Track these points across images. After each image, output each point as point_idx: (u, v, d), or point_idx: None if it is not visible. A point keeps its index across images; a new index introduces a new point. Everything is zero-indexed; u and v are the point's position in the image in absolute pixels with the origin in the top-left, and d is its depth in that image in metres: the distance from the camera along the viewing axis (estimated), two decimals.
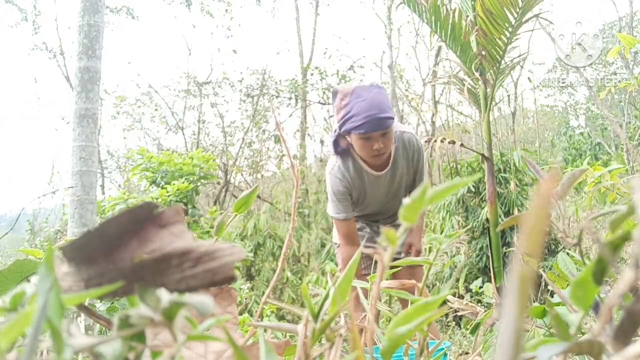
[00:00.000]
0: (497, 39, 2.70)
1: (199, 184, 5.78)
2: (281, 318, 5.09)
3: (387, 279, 0.65)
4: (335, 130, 1.90)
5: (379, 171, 1.93)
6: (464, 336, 3.38)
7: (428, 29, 2.95)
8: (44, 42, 10.75)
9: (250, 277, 6.66)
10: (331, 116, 10.62)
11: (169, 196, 5.26)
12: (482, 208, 4.90)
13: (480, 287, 4.25)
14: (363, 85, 1.82)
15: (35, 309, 0.22)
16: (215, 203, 8.01)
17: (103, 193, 10.51)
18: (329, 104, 10.35)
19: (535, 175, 0.55)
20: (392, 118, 1.78)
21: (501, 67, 2.84)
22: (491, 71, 2.84)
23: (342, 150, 1.91)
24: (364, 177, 1.94)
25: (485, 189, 3.58)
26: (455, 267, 4.87)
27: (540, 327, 0.59)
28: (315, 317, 0.36)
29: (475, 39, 2.70)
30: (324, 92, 10.14)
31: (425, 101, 9.95)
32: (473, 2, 2.70)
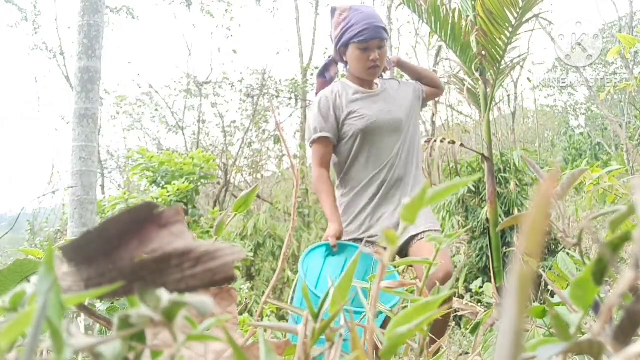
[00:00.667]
0: (497, 39, 2.70)
1: (199, 184, 5.79)
2: (281, 318, 5.09)
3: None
4: (330, 57, 1.99)
5: (370, 89, 1.95)
6: (464, 336, 3.38)
7: (428, 29, 2.95)
8: (44, 42, 10.76)
9: (250, 277, 6.66)
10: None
11: (169, 196, 5.26)
12: (482, 208, 4.90)
13: (480, 287, 4.25)
14: (356, 4, 1.94)
15: (35, 309, 0.22)
16: (215, 203, 8.01)
17: (103, 193, 10.52)
18: None
19: (535, 175, 0.55)
20: (386, 32, 1.88)
21: (501, 67, 2.84)
22: (491, 71, 2.84)
23: (330, 78, 1.98)
24: (357, 97, 1.92)
25: (485, 189, 3.58)
26: (456, 267, 4.87)
27: (541, 327, 0.59)
28: (315, 317, 0.36)
29: (475, 39, 2.70)
30: None
31: None
32: (473, 2, 2.70)
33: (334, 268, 1.61)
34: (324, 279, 1.53)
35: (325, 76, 1.99)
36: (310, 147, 1.93)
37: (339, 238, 1.76)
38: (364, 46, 1.83)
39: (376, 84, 1.99)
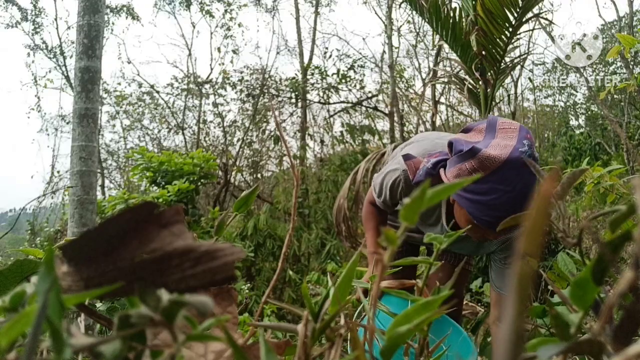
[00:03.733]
0: (498, 39, 2.71)
1: (199, 184, 5.79)
2: (281, 318, 5.09)
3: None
4: (431, 167, 1.32)
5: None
6: None
7: (429, 29, 2.95)
8: (44, 41, 10.76)
9: (250, 277, 6.66)
10: (332, 116, 10.61)
11: (170, 196, 5.26)
12: None
13: (480, 287, 4.25)
14: (517, 156, 1.14)
15: (35, 308, 0.22)
16: (215, 203, 8.01)
17: (103, 193, 10.52)
18: (329, 103, 10.35)
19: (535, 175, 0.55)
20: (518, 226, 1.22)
21: (501, 67, 2.84)
22: (491, 71, 2.84)
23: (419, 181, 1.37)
24: (430, 213, 1.52)
25: None
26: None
27: (542, 327, 0.59)
28: (315, 317, 0.36)
29: (475, 38, 2.70)
30: (324, 92, 10.15)
31: (426, 101, 9.95)
32: (474, 2, 2.70)
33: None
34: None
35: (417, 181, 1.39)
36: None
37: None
38: (489, 228, 1.24)
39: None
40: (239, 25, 10.95)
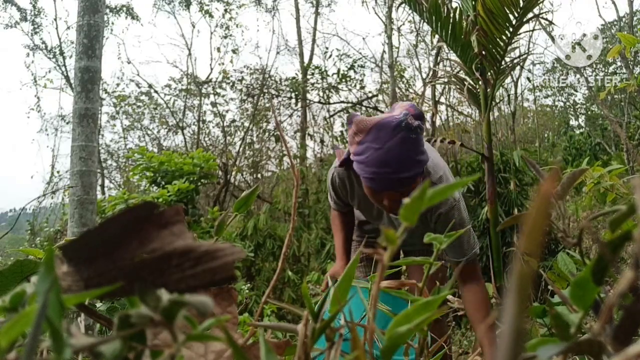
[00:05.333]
0: (498, 39, 2.71)
1: (199, 183, 5.79)
2: (281, 318, 5.09)
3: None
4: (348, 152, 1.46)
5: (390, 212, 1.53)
6: (464, 336, 3.38)
7: (428, 29, 2.95)
8: (44, 41, 10.76)
9: (250, 277, 6.66)
10: (332, 116, 10.62)
11: (170, 196, 5.27)
12: (482, 208, 4.90)
13: None
14: (386, 123, 1.30)
15: (35, 308, 0.22)
16: (215, 203, 8.01)
17: (103, 193, 10.52)
18: (329, 103, 10.36)
19: (535, 175, 0.55)
20: (415, 175, 1.32)
21: (501, 67, 2.84)
22: (491, 71, 2.84)
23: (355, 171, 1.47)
24: (373, 205, 1.59)
25: (485, 189, 3.58)
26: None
27: (542, 327, 0.59)
28: (315, 317, 0.36)
29: (475, 38, 2.70)
30: (324, 92, 10.15)
31: (426, 101, 9.95)
32: (474, 2, 2.70)
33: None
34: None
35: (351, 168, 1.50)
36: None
37: None
38: (375, 191, 1.37)
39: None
40: (238, 25, 10.95)
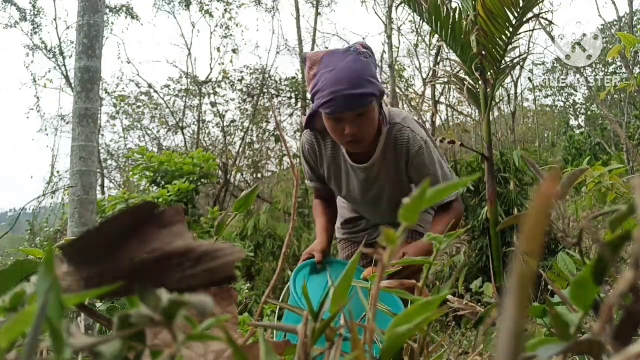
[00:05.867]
0: (498, 39, 2.70)
1: (199, 183, 5.79)
2: (281, 318, 5.08)
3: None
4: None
5: (358, 163, 1.56)
6: (464, 336, 3.38)
7: (429, 29, 2.95)
8: (44, 41, 10.76)
9: (250, 277, 6.66)
10: None
11: (170, 196, 5.27)
12: (482, 208, 4.90)
13: (480, 287, 4.25)
14: (336, 50, 1.40)
15: (35, 308, 0.22)
16: (215, 203, 8.01)
17: (103, 193, 10.52)
18: None
19: (535, 175, 0.55)
20: (371, 95, 1.34)
21: (501, 67, 2.84)
22: (491, 71, 2.84)
23: (321, 128, 1.52)
24: (340, 162, 1.59)
25: (485, 189, 3.58)
26: (455, 267, 4.88)
27: (542, 327, 0.59)
28: (315, 317, 0.36)
29: (475, 38, 2.70)
30: None
31: (426, 101, 9.95)
32: (474, 2, 2.70)
33: (317, 287, 1.44)
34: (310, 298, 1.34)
35: (315, 128, 1.56)
36: None
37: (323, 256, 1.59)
38: (335, 117, 1.38)
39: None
40: (238, 25, 10.95)
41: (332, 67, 1.35)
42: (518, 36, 2.75)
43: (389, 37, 8.98)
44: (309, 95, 1.47)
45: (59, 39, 10.66)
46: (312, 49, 10.78)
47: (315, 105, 1.39)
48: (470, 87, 3.00)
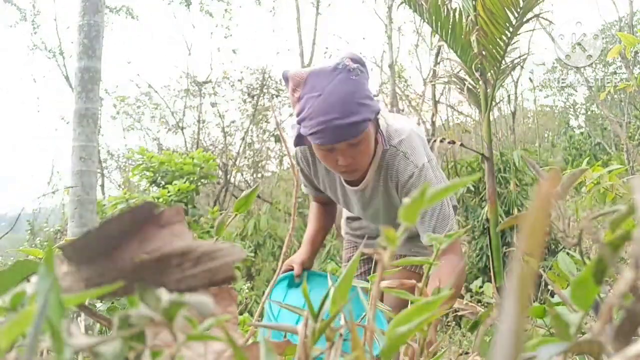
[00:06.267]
0: (498, 39, 2.71)
1: (199, 184, 5.79)
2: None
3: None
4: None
5: (350, 184, 1.45)
6: (464, 336, 3.38)
7: (429, 29, 2.95)
8: (43, 41, 10.77)
9: (250, 277, 6.66)
10: None
11: (170, 196, 5.27)
12: (482, 208, 4.90)
13: (480, 287, 4.25)
14: (322, 69, 1.22)
15: (35, 308, 0.22)
16: (215, 203, 8.01)
17: (103, 193, 10.52)
18: None
19: (535, 175, 0.55)
20: (365, 121, 1.21)
21: (502, 67, 2.85)
22: (492, 71, 2.84)
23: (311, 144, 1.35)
24: (334, 178, 1.49)
25: (485, 189, 3.58)
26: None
27: (541, 327, 0.59)
28: (315, 317, 0.36)
29: (475, 38, 2.70)
30: None
31: (426, 101, 9.95)
32: (474, 2, 2.70)
33: (296, 300, 1.37)
34: (285, 313, 1.27)
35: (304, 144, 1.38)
36: None
37: (304, 268, 1.55)
38: (327, 147, 1.26)
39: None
40: (238, 25, 10.95)
41: (318, 90, 1.19)
42: (518, 36, 2.75)
43: (389, 37, 8.98)
44: (293, 120, 1.31)
45: (59, 38, 10.66)
46: (312, 49, 10.78)
47: (302, 131, 1.26)
48: (470, 87, 3.00)
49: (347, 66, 1.20)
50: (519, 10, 2.59)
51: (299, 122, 1.27)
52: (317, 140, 1.23)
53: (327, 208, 1.71)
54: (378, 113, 1.29)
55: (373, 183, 1.42)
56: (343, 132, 1.20)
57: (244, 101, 10.44)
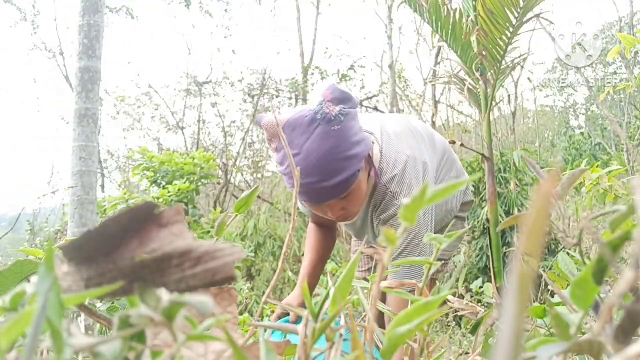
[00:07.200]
0: (498, 39, 2.71)
1: (199, 183, 5.79)
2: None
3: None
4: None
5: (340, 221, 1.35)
6: (464, 336, 3.38)
7: (429, 29, 2.95)
8: (43, 41, 10.77)
9: (250, 277, 6.66)
10: None
11: (170, 196, 5.27)
12: (482, 208, 4.90)
13: (480, 287, 4.25)
14: (298, 119, 1.06)
15: (35, 308, 0.22)
16: (215, 203, 8.01)
17: (103, 192, 10.52)
18: None
19: (535, 175, 0.55)
20: (352, 175, 1.08)
21: (502, 67, 2.84)
22: (492, 71, 2.84)
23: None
24: (326, 213, 1.39)
25: (485, 189, 3.58)
26: (455, 267, 4.88)
27: (541, 327, 0.59)
28: (315, 317, 0.36)
29: (476, 38, 2.70)
30: None
31: (426, 101, 9.95)
32: (474, 2, 2.70)
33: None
34: None
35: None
36: None
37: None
38: (312, 203, 1.17)
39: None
40: (237, 25, 10.94)
41: (295, 148, 1.04)
42: (518, 36, 2.75)
43: (389, 37, 8.98)
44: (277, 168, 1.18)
45: (59, 38, 10.66)
46: (313, 49, 10.78)
47: (287, 183, 1.16)
48: (470, 87, 3.00)
49: (326, 115, 1.06)
50: (519, 10, 2.59)
51: (277, 167, 1.16)
52: (303, 199, 1.14)
53: (326, 233, 1.58)
54: (370, 151, 1.17)
55: (363, 215, 1.34)
56: (329, 193, 1.09)
57: (244, 101, 10.44)
